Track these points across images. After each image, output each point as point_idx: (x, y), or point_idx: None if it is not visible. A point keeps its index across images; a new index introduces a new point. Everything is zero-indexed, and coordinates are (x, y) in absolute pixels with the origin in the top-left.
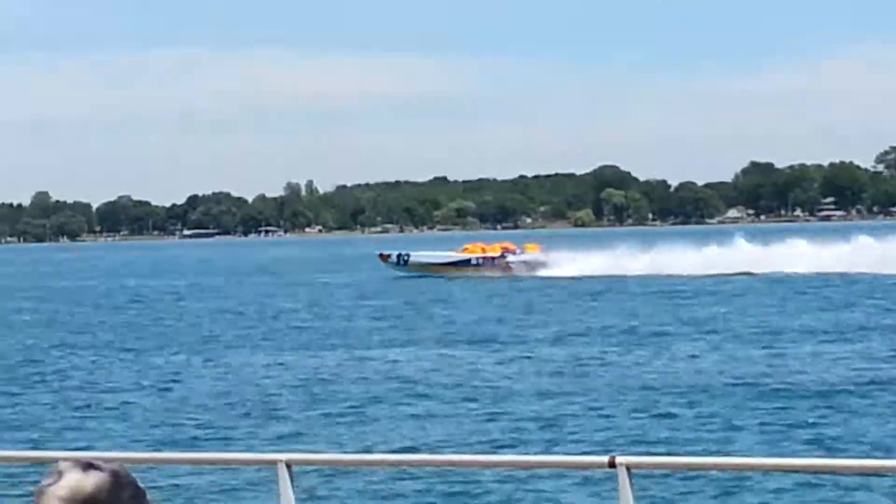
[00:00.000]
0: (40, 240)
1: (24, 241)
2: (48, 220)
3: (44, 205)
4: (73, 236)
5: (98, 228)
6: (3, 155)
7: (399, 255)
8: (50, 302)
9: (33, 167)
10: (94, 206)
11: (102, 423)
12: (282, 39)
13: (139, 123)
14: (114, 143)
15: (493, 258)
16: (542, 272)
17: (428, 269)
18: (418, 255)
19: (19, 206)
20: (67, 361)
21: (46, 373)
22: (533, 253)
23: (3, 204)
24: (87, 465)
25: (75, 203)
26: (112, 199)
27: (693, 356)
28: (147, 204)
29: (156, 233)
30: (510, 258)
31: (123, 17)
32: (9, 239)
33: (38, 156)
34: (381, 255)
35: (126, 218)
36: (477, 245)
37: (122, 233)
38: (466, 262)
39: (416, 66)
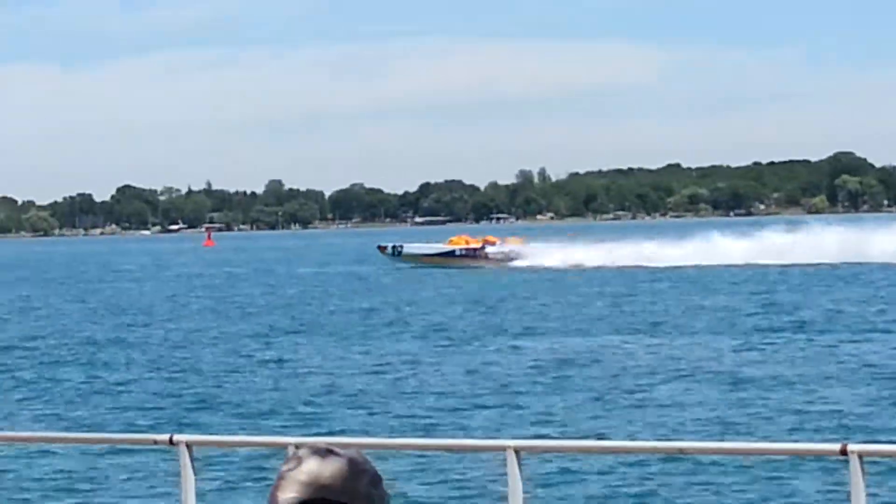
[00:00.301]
0: (272, 227)
1: (257, 228)
2: (281, 207)
3: (277, 192)
4: (306, 223)
5: (330, 216)
6: (239, 145)
7: (394, 247)
8: (288, 288)
9: (268, 156)
10: (327, 193)
11: (339, 409)
12: (514, 28)
13: (372, 112)
14: (347, 132)
15: (474, 249)
16: (519, 263)
17: (418, 259)
18: (410, 247)
19: (253, 193)
20: (299, 347)
21: (284, 358)
22: (511, 245)
23: (238, 192)
24: (326, 452)
25: (308, 191)
26: (345, 186)
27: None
28: (379, 191)
29: (387, 220)
30: (489, 249)
31: (362, 9)
32: (241, 226)
33: (273, 145)
34: (379, 247)
35: (358, 205)
36: (461, 237)
37: (353, 220)
38: (451, 254)
39: (648, 52)
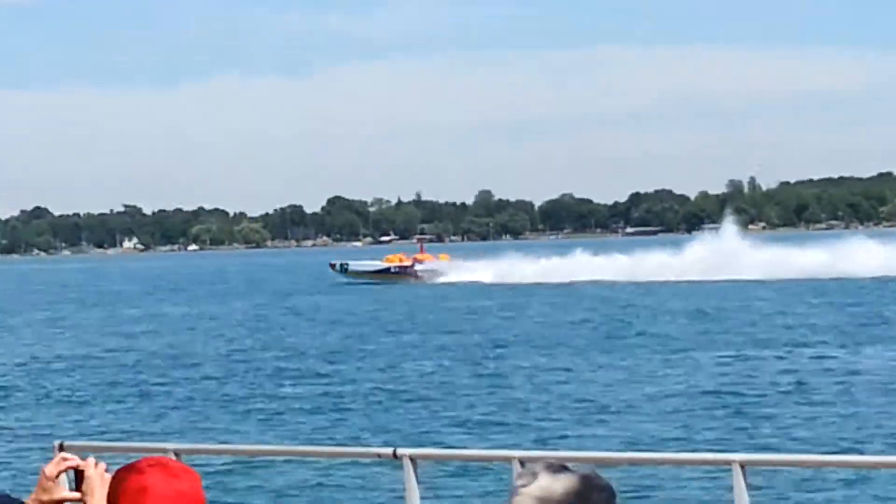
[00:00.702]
0: (483, 238)
1: (468, 239)
2: (491, 218)
3: (487, 203)
4: (516, 234)
5: (541, 226)
6: (449, 155)
7: (341, 265)
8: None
9: (476, 166)
10: (537, 204)
11: (563, 422)
12: (724, 35)
13: (581, 121)
14: (554, 142)
15: (406, 267)
16: (442, 279)
17: (361, 276)
18: (354, 265)
19: (463, 204)
20: (534, 359)
21: (520, 369)
22: (436, 262)
23: (448, 203)
24: (560, 468)
25: (518, 201)
26: (554, 196)
27: None
28: (589, 202)
29: (598, 230)
30: (417, 267)
31: (568, 17)
32: (452, 238)
33: (481, 155)
34: (330, 265)
35: (568, 215)
36: (396, 256)
37: (564, 230)
38: (387, 271)
39: (860, 59)
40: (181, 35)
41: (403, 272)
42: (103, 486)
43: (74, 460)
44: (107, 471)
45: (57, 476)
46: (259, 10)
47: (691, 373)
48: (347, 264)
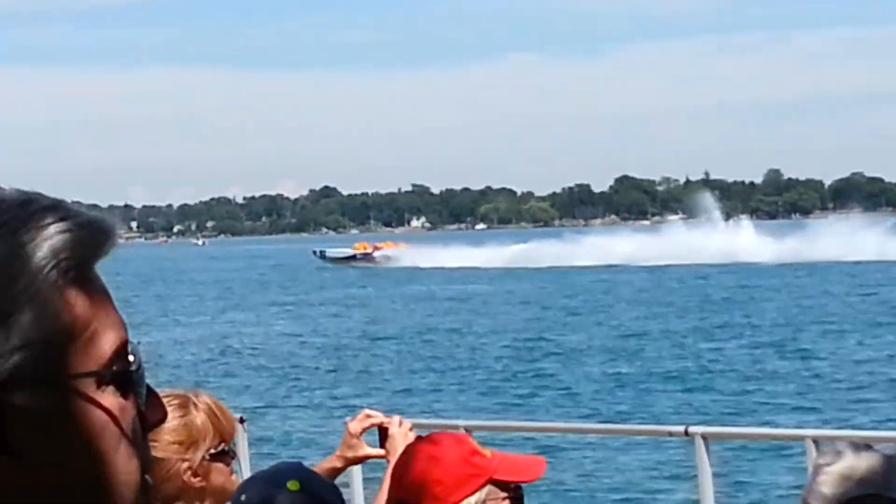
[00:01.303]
0: (772, 217)
1: (756, 217)
2: (780, 196)
3: (776, 182)
4: (805, 213)
5: (831, 205)
6: (737, 133)
7: (321, 252)
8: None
9: (766, 145)
10: (826, 182)
11: (866, 401)
12: None
13: (877, 97)
14: (848, 118)
15: (366, 253)
16: (395, 264)
17: (335, 261)
18: (330, 252)
19: (752, 183)
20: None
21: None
22: (391, 249)
23: (737, 181)
24: (864, 447)
25: (807, 180)
26: (845, 175)
27: None
28: (880, 180)
29: (890, 209)
30: (376, 254)
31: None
32: (741, 216)
33: (771, 133)
34: (313, 251)
35: (859, 194)
36: (362, 244)
37: (854, 209)
38: (353, 257)
39: None
40: (473, 14)
41: (364, 258)
42: (406, 444)
43: (379, 417)
44: (411, 430)
45: (361, 433)
46: None
47: None
48: (325, 251)
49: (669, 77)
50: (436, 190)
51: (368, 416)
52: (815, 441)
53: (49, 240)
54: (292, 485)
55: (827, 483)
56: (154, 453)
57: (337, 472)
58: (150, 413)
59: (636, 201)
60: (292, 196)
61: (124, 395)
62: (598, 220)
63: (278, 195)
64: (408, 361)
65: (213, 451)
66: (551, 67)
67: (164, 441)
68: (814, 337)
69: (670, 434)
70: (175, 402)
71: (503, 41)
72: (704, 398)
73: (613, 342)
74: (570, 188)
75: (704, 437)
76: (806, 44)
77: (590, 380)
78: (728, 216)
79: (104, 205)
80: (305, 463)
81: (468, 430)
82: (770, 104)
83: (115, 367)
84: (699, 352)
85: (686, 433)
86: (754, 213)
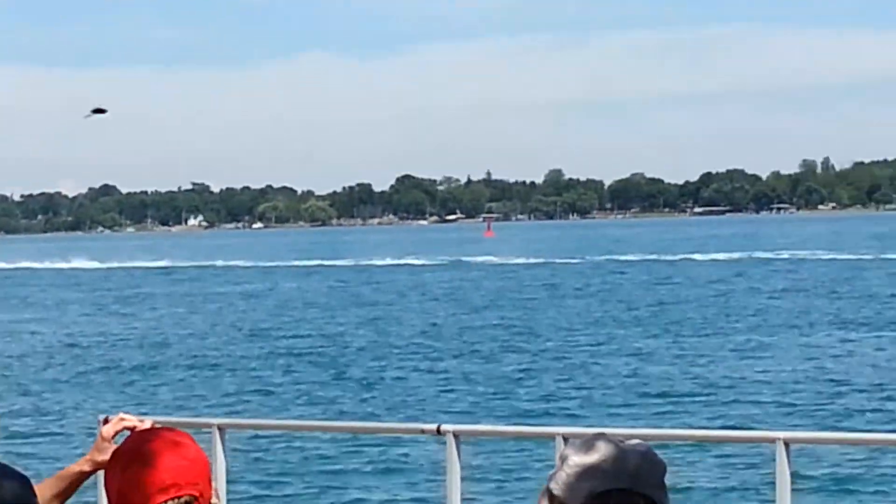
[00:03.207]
0: (550, 217)
1: (535, 218)
2: (560, 197)
3: (556, 182)
4: (584, 213)
5: (609, 206)
6: (518, 134)
7: None
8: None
9: (547, 145)
10: (607, 183)
11: (608, 403)
12: (796, 16)
13: (653, 101)
14: (627, 121)
15: None
16: None
17: None
18: None
19: (532, 183)
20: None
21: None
22: None
23: (517, 182)
24: (596, 438)
25: (588, 180)
26: (625, 176)
27: None
28: (660, 181)
29: (667, 210)
30: None
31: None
32: (519, 217)
33: (553, 134)
34: None
35: (637, 195)
36: None
37: (632, 210)
38: None
39: None
40: (263, 13)
41: None
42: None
43: (132, 421)
44: None
45: (113, 436)
46: None
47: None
48: None
49: (457, 77)
50: (216, 188)
51: (122, 420)
52: (566, 438)
53: None
54: None
55: (573, 473)
56: None
57: (85, 475)
58: None
59: (416, 200)
60: (71, 194)
61: None
62: (377, 220)
63: (57, 193)
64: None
65: None
66: (342, 67)
67: None
68: (565, 336)
69: (423, 432)
70: None
71: (295, 40)
72: (456, 396)
73: (371, 339)
74: (351, 187)
75: (456, 434)
76: (591, 47)
77: (345, 379)
78: (506, 215)
79: None
80: (57, 465)
81: (221, 428)
82: (554, 105)
83: None
84: (461, 349)
85: (438, 431)
86: (533, 213)
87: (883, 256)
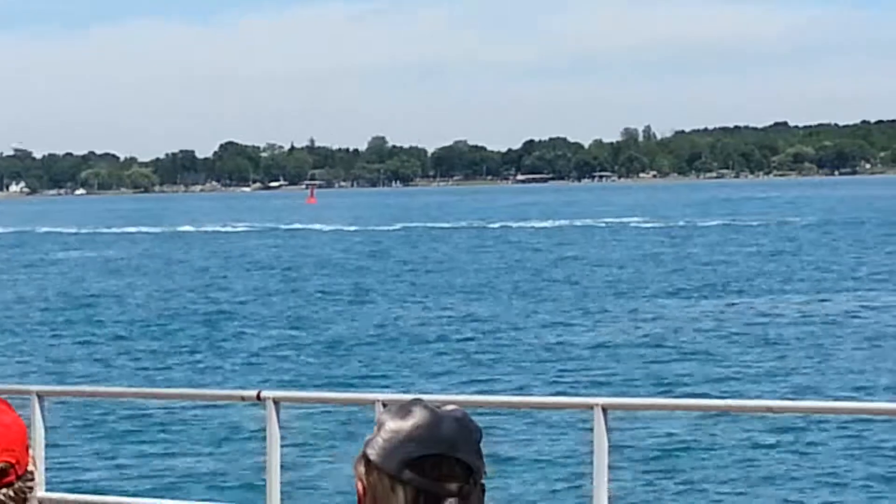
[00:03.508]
0: (374, 184)
1: (358, 185)
2: (383, 164)
3: (380, 149)
4: (407, 181)
5: (432, 173)
6: (342, 101)
7: None
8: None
9: (371, 112)
10: (430, 150)
11: (432, 366)
12: None
13: (477, 68)
14: (451, 88)
15: None
16: None
17: None
18: None
19: (356, 150)
20: (396, 303)
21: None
22: None
23: (341, 149)
24: (412, 404)
25: (411, 148)
26: (448, 143)
27: None
28: (483, 149)
29: (490, 178)
30: None
31: None
32: (342, 184)
33: (377, 101)
34: None
35: (461, 163)
36: None
37: (455, 177)
38: None
39: (763, 9)
40: None
41: None
42: None
43: None
44: None
45: None
46: None
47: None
48: None
49: (280, 44)
50: (38, 154)
51: None
52: (384, 404)
53: None
54: None
55: (388, 439)
56: None
57: None
58: None
59: (239, 167)
60: None
61: None
62: (200, 187)
63: None
64: None
65: None
66: (168, 33)
67: None
68: (388, 304)
69: (243, 399)
70: None
71: (123, 5)
72: (280, 363)
73: (198, 306)
74: (174, 154)
75: (276, 400)
76: (415, 14)
77: (172, 345)
78: (330, 183)
79: None
80: None
81: (41, 395)
82: (377, 72)
83: None
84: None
85: (258, 397)
86: (356, 180)
87: (701, 224)
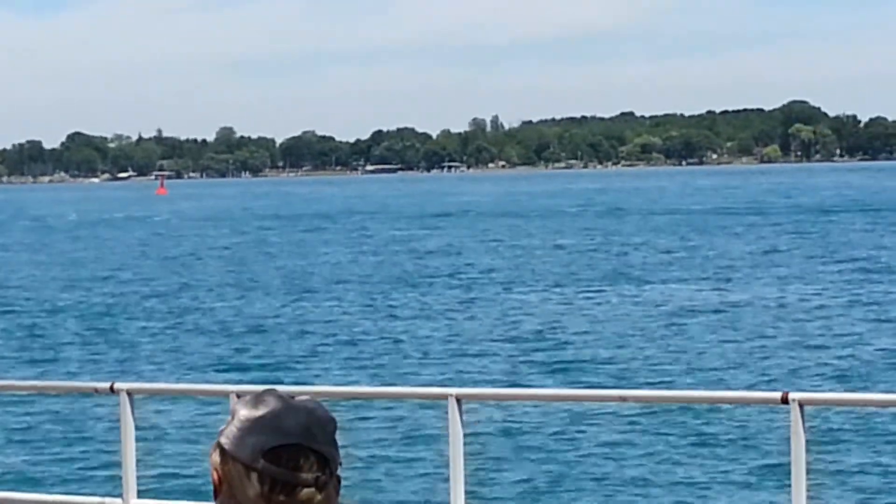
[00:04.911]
0: (223, 175)
1: (207, 176)
2: (232, 155)
3: (228, 140)
4: (256, 171)
5: (281, 164)
6: (189, 91)
7: None
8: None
9: (219, 103)
10: (279, 141)
11: (286, 358)
12: None
13: (324, 59)
14: (299, 79)
15: None
16: None
17: None
18: None
19: (204, 141)
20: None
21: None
22: None
23: (189, 139)
24: (263, 395)
25: (259, 138)
26: (296, 134)
27: None
28: (331, 139)
29: (339, 168)
30: None
31: None
32: (192, 175)
33: (224, 92)
34: None
35: (310, 153)
36: None
37: (304, 168)
38: None
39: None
40: None
41: None
42: None
43: None
44: None
45: None
46: None
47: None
48: None
49: (126, 33)
50: None
51: None
52: (239, 395)
53: None
54: None
55: (242, 427)
56: None
57: None
58: None
59: (87, 158)
60: None
61: None
62: (48, 178)
63: None
64: None
65: None
66: (12, 23)
67: None
68: (244, 295)
69: (96, 391)
70: None
71: None
72: (135, 355)
73: (51, 297)
74: (21, 145)
75: (129, 392)
76: (263, 3)
77: (25, 337)
78: (179, 173)
79: None
80: None
81: None
82: (224, 62)
83: None
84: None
85: (112, 390)
86: (205, 171)
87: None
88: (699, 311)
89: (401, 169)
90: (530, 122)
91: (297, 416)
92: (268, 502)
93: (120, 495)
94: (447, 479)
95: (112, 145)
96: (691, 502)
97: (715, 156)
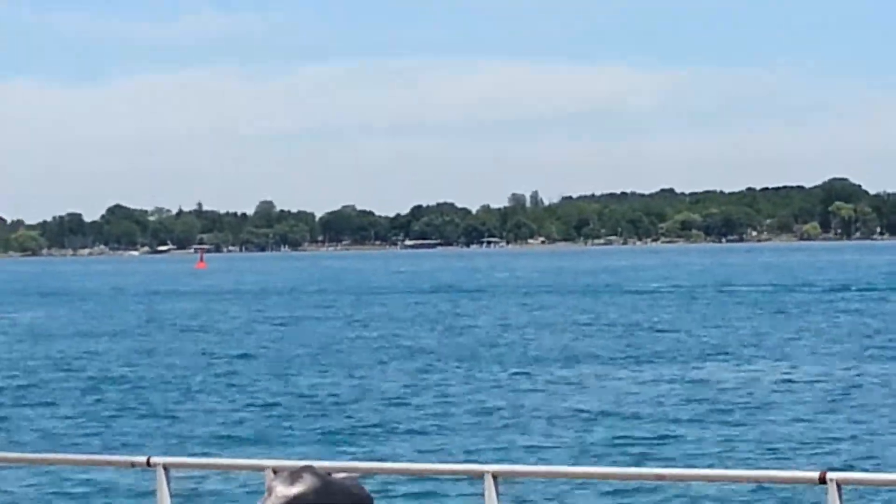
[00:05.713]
0: (262, 248)
1: (247, 249)
2: (271, 229)
3: (268, 214)
4: (296, 245)
5: (321, 238)
6: (230, 165)
7: None
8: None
9: (259, 176)
10: (318, 215)
11: (324, 434)
12: (509, 48)
13: (365, 133)
14: (339, 153)
15: None
16: None
17: None
18: None
19: (244, 215)
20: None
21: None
22: None
23: (228, 213)
24: (300, 472)
25: (299, 212)
26: (336, 208)
27: None
28: (371, 214)
29: (378, 242)
30: None
31: (342, 28)
32: (231, 248)
33: (265, 165)
34: None
35: (349, 227)
36: None
37: (344, 242)
38: None
39: (647, 75)
40: None
41: None
42: None
43: None
44: None
45: None
46: (52, 15)
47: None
48: None
49: (167, 108)
50: None
51: None
52: (275, 471)
53: None
54: None
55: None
56: None
57: None
58: None
59: (127, 231)
60: None
61: None
62: (87, 250)
63: None
64: None
65: None
66: (51, 94)
67: None
68: (279, 370)
69: (133, 465)
70: None
71: (2, 67)
72: (171, 428)
73: (90, 371)
74: (61, 217)
75: (166, 467)
76: (297, 77)
77: (62, 411)
78: (218, 247)
79: None
80: None
81: None
82: (264, 137)
83: None
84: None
85: (148, 463)
86: (245, 244)
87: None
88: (733, 389)
89: (440, 244)
90: (570, 197)
91: (334, 493)
92: None
93: None
94: None
95: (152, 218)
96: None
97: (755, 233)
